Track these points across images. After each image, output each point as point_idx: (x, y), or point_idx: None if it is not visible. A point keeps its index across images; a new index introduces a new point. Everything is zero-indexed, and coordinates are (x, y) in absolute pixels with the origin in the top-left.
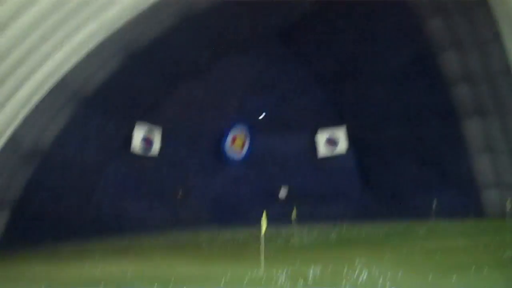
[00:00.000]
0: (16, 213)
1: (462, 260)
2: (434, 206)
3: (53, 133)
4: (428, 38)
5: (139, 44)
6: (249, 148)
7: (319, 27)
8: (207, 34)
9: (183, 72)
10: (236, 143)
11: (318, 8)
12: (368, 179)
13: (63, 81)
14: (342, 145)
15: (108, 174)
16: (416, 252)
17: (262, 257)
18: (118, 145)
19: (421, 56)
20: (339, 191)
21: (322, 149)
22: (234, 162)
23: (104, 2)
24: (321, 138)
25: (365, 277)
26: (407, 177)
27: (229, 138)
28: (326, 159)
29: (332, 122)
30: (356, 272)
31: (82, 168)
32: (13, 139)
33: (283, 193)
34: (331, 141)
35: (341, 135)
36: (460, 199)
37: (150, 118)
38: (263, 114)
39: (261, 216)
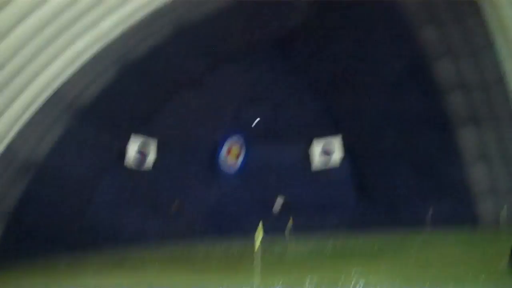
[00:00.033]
0: (11, 226)
1: (458, 270)
2: (429, 215)
3: (48, 145)
4: (422, 47)
5: (133, 56)
6: (244, 158)
7: (313, 37)
8: (201, 45)
9: (177, 83)
10: (231, 154)
11: (312, 18)
12: (363, 189)
13: (58, 93)
14: (338, 155)
15: (103, 186)
16: (412, 262)
17: (258, 269)
18: (113, 157)
19: (415, 65)
20: (334, 201)
21: (317, 160)
22: (229, 173)
23: (99, 14)
24: (317, 148)
25: None
26: (402, 186)
27: (224, 149)
28: (322, 170)
29: (327, 132)
30: (352, 283)
31: (77, 180)
32: (8, 151)
33: (278, 203)
34: (327, 151)
35: (336, 144)
36: (455, 207)
37: (145, 130)
38: (257, 119)
39: (257, 227)
